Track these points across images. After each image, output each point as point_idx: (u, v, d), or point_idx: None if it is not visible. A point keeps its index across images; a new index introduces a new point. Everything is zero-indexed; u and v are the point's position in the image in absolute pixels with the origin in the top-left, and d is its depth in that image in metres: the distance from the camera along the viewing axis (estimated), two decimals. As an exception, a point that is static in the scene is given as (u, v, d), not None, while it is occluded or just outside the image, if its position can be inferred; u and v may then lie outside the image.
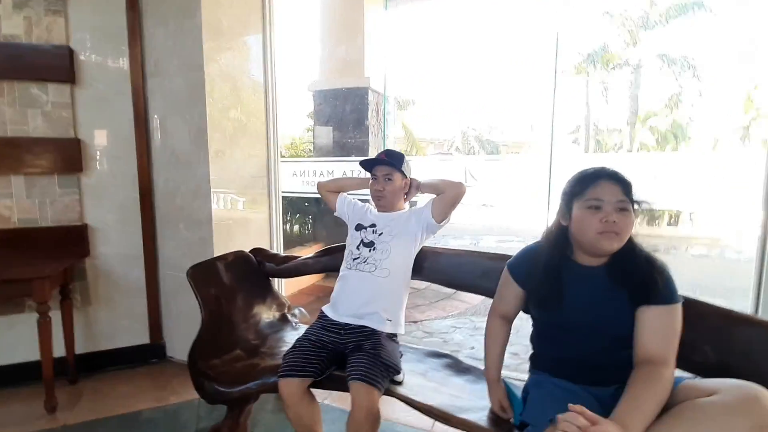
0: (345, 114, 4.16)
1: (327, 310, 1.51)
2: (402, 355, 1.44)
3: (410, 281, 1.53)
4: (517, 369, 2.60)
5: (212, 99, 2.07)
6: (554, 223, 1.05)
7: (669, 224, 8.98)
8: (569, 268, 1.00)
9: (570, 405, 0.74)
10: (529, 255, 1.10)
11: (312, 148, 4.79)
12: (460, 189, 1.44)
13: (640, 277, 0.91)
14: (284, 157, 4.27)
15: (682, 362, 0.95)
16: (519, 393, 1.13)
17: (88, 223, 2.10)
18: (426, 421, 1.38)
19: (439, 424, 1.20)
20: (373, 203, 1.62)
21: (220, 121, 2.13)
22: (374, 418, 1.19)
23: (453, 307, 3.85)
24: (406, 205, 1.62)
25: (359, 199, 1.72)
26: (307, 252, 1.90)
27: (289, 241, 4.66)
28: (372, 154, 4.18)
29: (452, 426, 1.14)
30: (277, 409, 1.81)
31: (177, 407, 1.85)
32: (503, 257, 1.38)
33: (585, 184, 0.95)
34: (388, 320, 1.43)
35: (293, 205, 4.62)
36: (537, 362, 1.11)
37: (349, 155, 4.09)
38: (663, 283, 0.90)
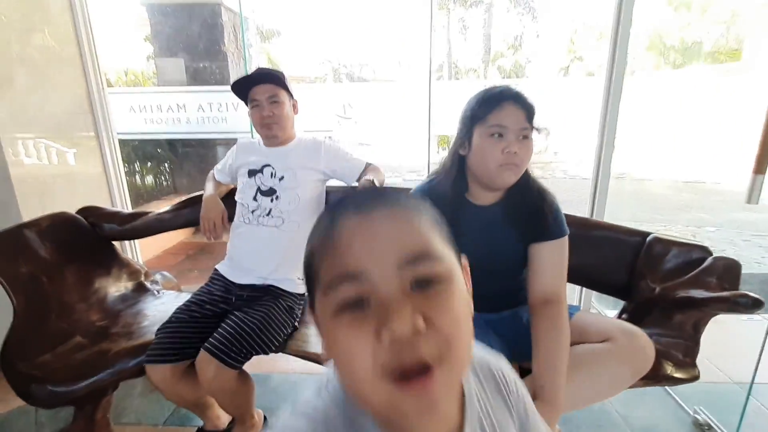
0: (193, 37, 3.43)
1: (224, 269, 1.27)
2: (296, 327, 1.25)
3: None
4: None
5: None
6: (450, 154, 0.96)
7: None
8: (465, 209, 0.95)
9: None
10: (424, 194, 1.01)
11: (156, 82, 3.93)
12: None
13: (532, 214, 0.91)
14: (113, 86, 3.43)
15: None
16: None
17: None
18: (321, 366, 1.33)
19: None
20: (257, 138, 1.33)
21: (8, 44, 1.50)
22: (230, 390, 1.06)
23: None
24: (298, 132, 1.36)
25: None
26: (165, 207, 1.54)
27: (143, 195, 3.92)
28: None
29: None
30: (147, 390, 1.55)
31: (5, 418, 1.44)
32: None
33: (488, 107, 0.86)
34: (300, 279, 1.26)
35: (141, 151, 3.83)
36: None
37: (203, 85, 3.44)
38: (552, 219, 0.91)
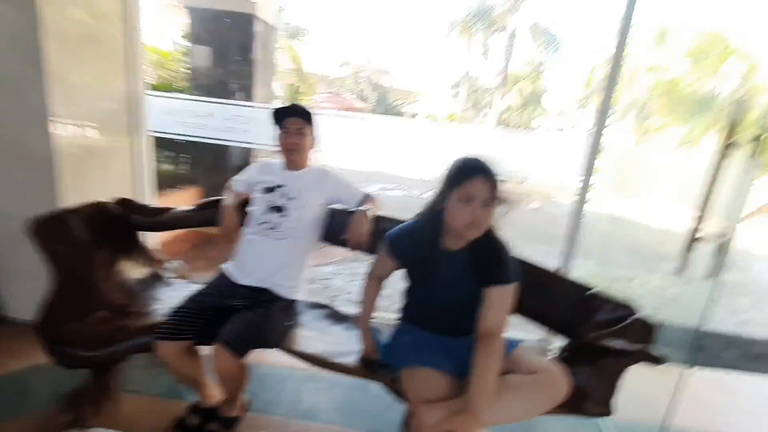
0: (227, 42, 3.69)
1: (230, 269, 1.47)
2: (291, 327, 1.44)
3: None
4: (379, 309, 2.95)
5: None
6: (431, 205, 1.16)
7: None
8: (438, 252, 1.17)
9: None
10: (406, 236, 1.22)
11: (186, 75, 4.18)
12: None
13: (488, 263, 1.12)
14: (150, 85, 3.69)
15: (520, 311, 1.30)
16: (385, 338, 1.33)
17: None
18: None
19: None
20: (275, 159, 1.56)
21: (59, 24, 1.69)
22: (236, 377, 1.28)
23: (333, 254, 4.05)
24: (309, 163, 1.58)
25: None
26: (179, 197, 1.75)
27: (164, 181, 4.14)
28: (258, 92, 3.87)
29: (330, 369, 1.30)
30: (150, 364, 1.75)
31: (24, 373, 1.64)
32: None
33: (462, 176, 1.07)
34: (293, 287, 1.46)
35: (161, 143, 4.06)
36: (405, 314, 1.32)
37: (232, 93, 3.70)
38: (503, 268, 1.12)
